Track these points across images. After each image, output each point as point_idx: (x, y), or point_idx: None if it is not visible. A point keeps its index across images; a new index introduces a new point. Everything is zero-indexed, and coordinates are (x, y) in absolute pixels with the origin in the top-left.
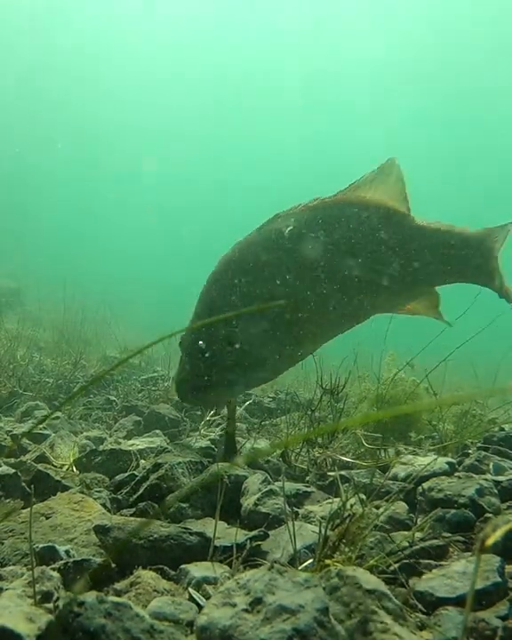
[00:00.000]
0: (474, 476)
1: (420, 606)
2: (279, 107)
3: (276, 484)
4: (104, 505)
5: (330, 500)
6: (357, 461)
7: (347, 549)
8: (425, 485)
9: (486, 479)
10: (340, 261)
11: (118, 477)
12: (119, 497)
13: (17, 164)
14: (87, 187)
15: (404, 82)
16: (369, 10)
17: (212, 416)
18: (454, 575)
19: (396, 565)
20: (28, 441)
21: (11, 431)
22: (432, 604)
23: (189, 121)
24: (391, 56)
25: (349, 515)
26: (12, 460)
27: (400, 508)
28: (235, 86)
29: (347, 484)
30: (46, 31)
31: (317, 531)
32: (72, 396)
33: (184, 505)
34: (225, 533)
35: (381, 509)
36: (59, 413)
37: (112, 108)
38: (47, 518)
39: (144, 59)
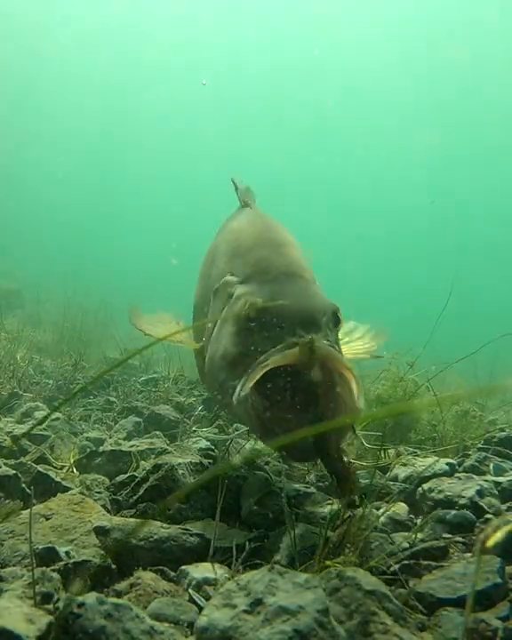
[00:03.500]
0: (474, 477)
1: (420, 607)
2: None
3: (276, 485)
4: (104, 506)
5: (330, 501)
6: (358, 462)
7: (347, 550)
8: (425, 486)
9: (487, 480)
10: None
11: (118, 478)
12: (119, 498)
13: (17, 164)
14: (89, 186)
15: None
16: None
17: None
18: (454, 576)
19: (397, 566)
20: (28, 442)
21: (10, 432)
22: (432, 604)
23: (195, 118)
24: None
25: (350, 516)
26: (12, 462)
27: (400, 508)
28: (243, 82)
29: None
30: (45, 29)
31: (318, 532)
32: (71, 397)
33: (184, 506)
34: (225, 534)
35: (382, 510)
36: (59, 414)
37: (112, 105)
38: (47, 519)
39: (145, 52)
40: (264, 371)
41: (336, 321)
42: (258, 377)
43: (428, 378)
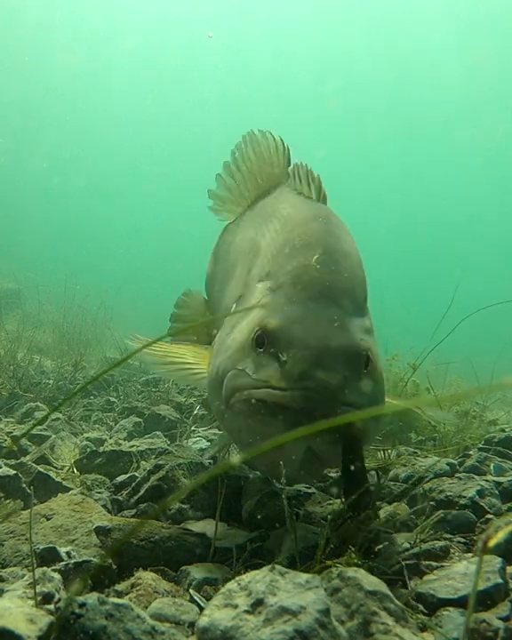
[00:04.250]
0: (475, 477)
1: (421, 607)
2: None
3: (276, 485)
4: (105, 506)
5: (331, 502)
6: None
7: (348, 550)
8: (426, 486)
9: (487, 480)
10: None
11: (119, 479)
12: (120, 498)
13: (16, 165)
14: (91, 186)
15: None
16: None
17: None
18: (455, 576)
19: (398, 566)
20: (28, 442)
21: (11, 432)
22: (433, 605)
23: (188, 119)
24: None
25: (350, 516)
26: (13, 462)
27: (401, 509)
28: (233, 87)
29: None
30: (46, 32)
31: (319, 532)
32: (71, 397)
33: (184, 506)
34: (226, 535)
35: (382, 511)
36: (59, 415)
37: (112, 106)
38: (48, 519)
39: (144, 54)
40: (253, 399)
41: (366, 362)
42: (242, 400)
43: (427, 376)
